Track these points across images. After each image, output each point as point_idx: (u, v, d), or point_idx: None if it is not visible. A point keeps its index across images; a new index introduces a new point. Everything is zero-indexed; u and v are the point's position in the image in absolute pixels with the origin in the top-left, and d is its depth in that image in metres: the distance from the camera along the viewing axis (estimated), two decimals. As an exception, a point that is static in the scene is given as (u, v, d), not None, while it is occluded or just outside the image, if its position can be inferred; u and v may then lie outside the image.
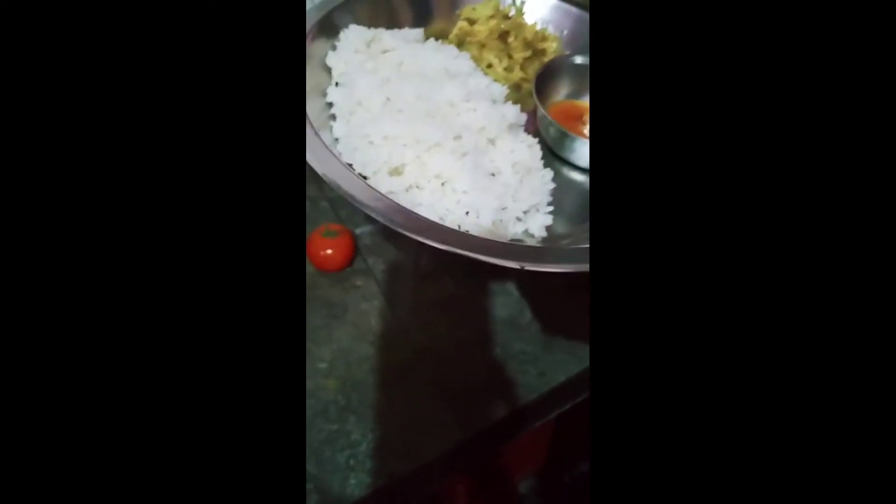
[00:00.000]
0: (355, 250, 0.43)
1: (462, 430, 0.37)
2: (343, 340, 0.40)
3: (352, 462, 0.35)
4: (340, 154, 0.41)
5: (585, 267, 0.35)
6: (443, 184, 0.41)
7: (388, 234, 0.44)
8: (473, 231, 0.40)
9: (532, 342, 0.41)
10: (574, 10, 0.58)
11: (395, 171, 0.41)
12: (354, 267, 0.43)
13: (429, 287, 0.43)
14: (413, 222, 0.34)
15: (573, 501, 0.58)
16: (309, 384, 0.38)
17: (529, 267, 0.34)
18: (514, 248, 0.37)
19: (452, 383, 0.39)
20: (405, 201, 0.39)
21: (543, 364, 0.41)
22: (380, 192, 0.37)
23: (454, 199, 0.40)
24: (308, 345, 0.39)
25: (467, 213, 0.40)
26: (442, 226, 0.36)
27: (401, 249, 0.44)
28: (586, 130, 0.50)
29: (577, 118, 0.51)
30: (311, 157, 0.38)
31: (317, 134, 0.40)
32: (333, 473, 0.34)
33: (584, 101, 0.53)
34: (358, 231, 0.44)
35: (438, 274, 0.43)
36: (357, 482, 0.34)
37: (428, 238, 0.34)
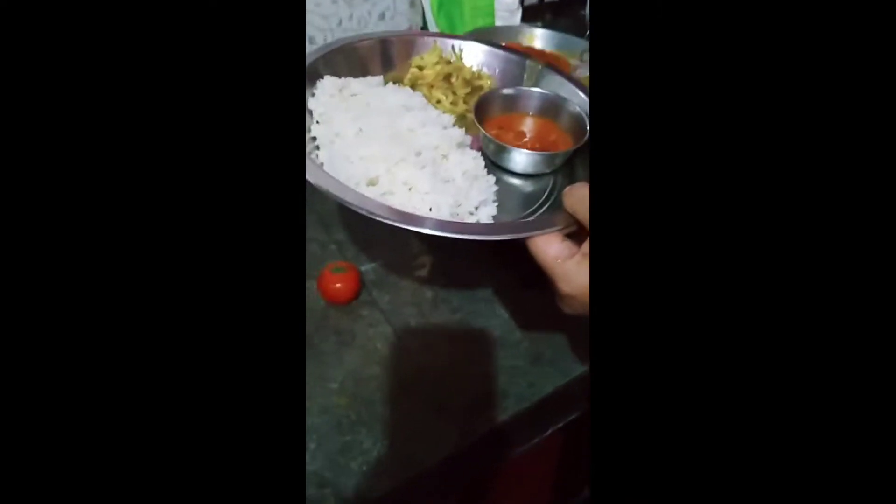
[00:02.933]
0: (361, 285, 0.52)
1: (460, 438, 0.43)
2: (352, 363, 0.47)
3: (364, 468, 0.41)
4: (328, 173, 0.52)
5: (529, 234, 0.46)
6: (409, 189, 0.52)
7: (390, 269, 0.53)
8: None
9: (521, 358, 0.49)
10: (502, 52, 0.72)
11: (371, 182, 0.52)
12: (361, 299, 0.52)
13: (427, 313, 0.51)
14: (391, 213, 0.46)
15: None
16: (322, 402, 0.44)
17: (483, 238, 0.46)
18: (470, 226, 0.49)
19: (451, 397, 0.45)
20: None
21: (532, 376, 0.48)
22: (364, 194, 0.48)
23: (419, 199, 0.52)
24: (320, 368, 0.46)
25: (430, 209, 0.52)
26: (414, 214, 0.47)
27: (402, 282, 0.53)
28: (521, 139, 0.63)
29: (510, 129, 0.64)
30: (308, 176, 0.49)
31: (309, 158, 0.51)
32: (349, 479, 0.40)
33: (514, 114, 0.66)
34: (363, 268, 0.54)
35: (436, 302, 0.52)
36: (368, 486, 0.40)
37: (405, 223, 0.46)
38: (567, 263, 0.44)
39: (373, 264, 0.54)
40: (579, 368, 0.50)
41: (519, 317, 0.53)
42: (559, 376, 0.49)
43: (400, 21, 0.76)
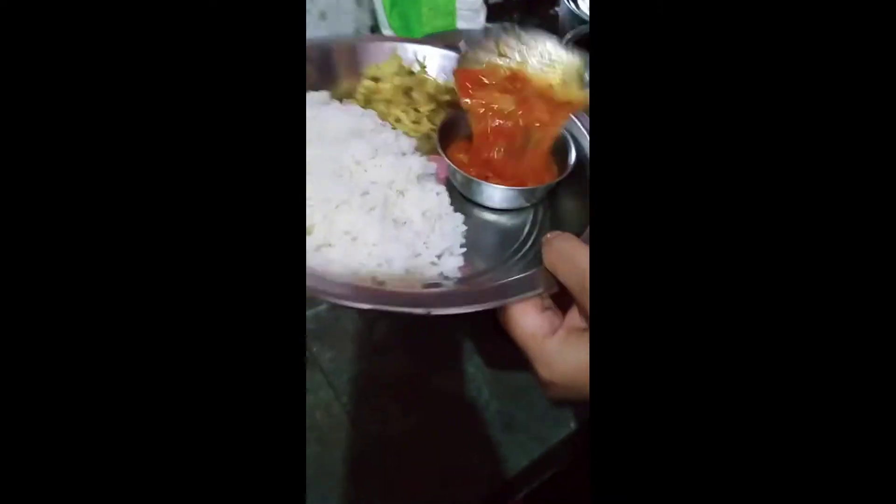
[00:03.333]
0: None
1: None
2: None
3: None
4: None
5: (498, 303, 0.36)
6: (353, 239, 0.42)
7: (336, 317, 0.44)
8: (390, 280, 0.41)
9: (490, 426, 0.40)
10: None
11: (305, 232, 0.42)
12: None
13: (378, 369, 0.42)
14: (320, 283, 0.35)
15: None
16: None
17: (436, 312, 0.35)
18: (421, 295, 0.38)
19: (404, 478, 0.37)
20: (317, 261, 0.40)
21: (505, 448, 0.39)
22: None
23: (365, 253, 0.41)
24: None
25: (379, 264, 0.41)
26: (344, 282, 0.36)
27: (348, 331, 0.43)
28: (493, 166, 0.52)
29: (481, 152, 0.54)
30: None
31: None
32: None
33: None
34: None
35: (388, 351, 0.42)
36: None
37: (336, 297, 0.35)
38: (548, 342, 0.34)
39: (312, 310, 0.44)
40: (558, 433, 0.41)
41: (487, 371, 0.43)
42: (535, 445, 0.40)
43: (345, 21, 0.64)
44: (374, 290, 0.36)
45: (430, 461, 0.38)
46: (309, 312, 0.45)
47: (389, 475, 0.37)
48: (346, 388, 0.41)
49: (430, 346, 0.44)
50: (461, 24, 0.76)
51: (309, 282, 0.35)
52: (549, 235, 0.39)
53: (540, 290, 0.36)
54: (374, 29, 0.73)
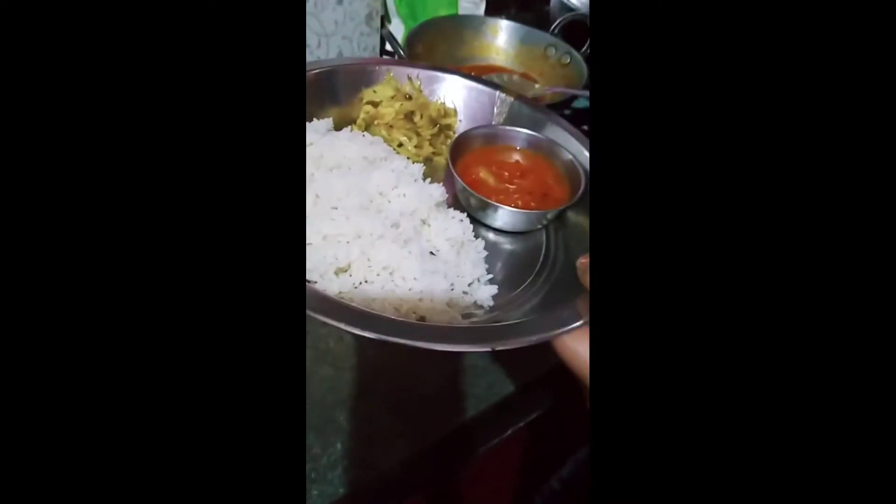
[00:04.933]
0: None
1: (418, 441, 0.39)
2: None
3: (313, 475, 0.37)
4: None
5: (554, 335, 0.36)
6: (391, 274, 0.41)
7: None
8: (431, 314, 0.40)
9: (481, 357, 0.45)
10: (467, 82, 0.62)
11: (341, 270, 0.40)
12: None
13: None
14: (372, 321, 0.34)
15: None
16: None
17: (500, 347, 0.35)
18: (480, 331, 0.38)
19: (408, 398, 0.41)
20: (359, 299, 0.39)
21: (491, 377, 0.44)
22: (337, 300, 0.36)
23: (406, 288, 0.40)
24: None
25: (420, 298, 0.41)
26: (401, 321, 0.36)
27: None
28: (505, 190, 0.53)
29: (493, 170, 0.54)
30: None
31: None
32: None
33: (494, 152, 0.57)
34: None
35: None
36: (319, 493, 0.36)
37: (394, 335, 0.34)
38: None
39: None
40: (539, 368, 0.46)
41: None
42: (519, 375, 0.45)
43: (359, 7, 0.65)
44: (440, 328, 0.36)
45: (425, 384, 0.43)
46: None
47: (391, 392, 0.42)
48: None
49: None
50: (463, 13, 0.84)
51: (366, 328, 0.34)
52: (582, 260, 0.39)
53: (587, 319, 0.37)
54: (385, 14, 0.76)
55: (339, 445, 0.38)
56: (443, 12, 0.82)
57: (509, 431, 0.45)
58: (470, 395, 0.42)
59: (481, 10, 0.86)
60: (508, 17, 0.82)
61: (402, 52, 0.71)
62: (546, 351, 0.43)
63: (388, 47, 0.75)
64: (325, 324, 0.33)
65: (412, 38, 0.73)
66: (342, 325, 0.34)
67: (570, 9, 0.76)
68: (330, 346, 0.43)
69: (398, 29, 0.79)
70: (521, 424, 0.46)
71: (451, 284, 0.43)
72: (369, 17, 0.67)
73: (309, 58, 0.64)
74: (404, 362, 0.43)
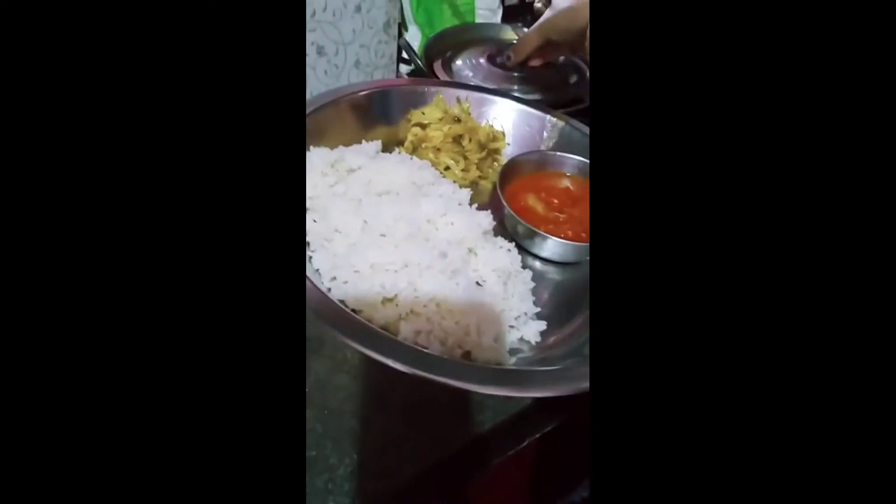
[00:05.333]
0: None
1: (434, 451, 0.39)
2: (320, 372, 0.42)
3: (330, 486, 0.36)
4: (329, 290, 0.39)
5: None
6: (437, 305, 0.40)
7: None
8: (477, 350, 0.39)
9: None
10: (516, 104, 0.61)
11: (388, 301, 0.39)
12: None
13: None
14: (418, 358, 0.33)
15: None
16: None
17: (548, 395, 0.34)
18: (529, 375, 0.36)
19: (423, 409, 0.41)
20: (406, 331, 0.38)
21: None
22: (388, 337, 0.35)
23: (452, 322, 0.39)
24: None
25: (467, 333, 0.39)
26: (448, 360, 0.35)
27: None
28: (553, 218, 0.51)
29: (541, 197, 0.53)
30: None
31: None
32: (312, 496, 0.36)
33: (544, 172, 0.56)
34: None
35: None
36: (335, 503, 0.36)
37: (442, 375, 0.33)
38: None
39: None
40: None
41: None
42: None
43: (377, 15, 0.65)
44: (488, 370, 0.35)
45: (441, 394, 0.42)
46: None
47: (407, 402, 0.41)
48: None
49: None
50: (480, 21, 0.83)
51: (416, 366, 0.33)
52: None
53: None
54: (402, 21, 0.76)
55: (355, 455, 0.38)
56: (459, 21, 0.82)
57: (525, 443, 0.44)
58: (486, 406, 0.41)
59: (497, 18, 0.86)
60: (525, 25, 0.81)
61: (419, 62, 0.71)
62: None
63: (405, 55, 0.75)
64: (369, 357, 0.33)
65: (429, 47, 0.73)
66: (390, 362, 0.33)
67: None
68: (347, 356, 0.42)
69: (415, 37, 0.79)
70: (538, 436, 0.44)
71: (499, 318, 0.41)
72: (387, 25, 0.67)
73: (325, 66, 0.64)
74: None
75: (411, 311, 0.39)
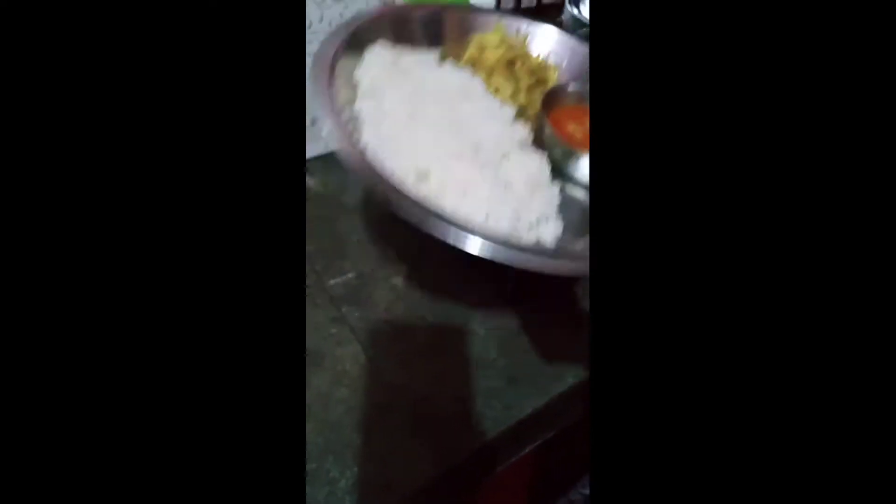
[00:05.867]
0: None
1: (435, 462, 0.39)
2: (321, 386, 0.42)
3: (331, 499, 0.37)
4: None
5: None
6: (464, 191, 0.44)
7: (362, 283, 0.49)
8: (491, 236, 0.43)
9: (497, 378, 0.45)
10: (572, 40, 0.63)
11: (421, 176, 0.43)
12: (330, 316, 0.47)
13: (400, 331, 0.47)
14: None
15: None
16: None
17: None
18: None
19: (424, 420, 0.41)
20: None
21: (509, 398, 0.44)
22: (416, 199, 0.40)
23: (473, 205, 0.43)
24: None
25: (485, 220, 0.43)
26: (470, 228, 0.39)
27: (374, 297, 0.48)
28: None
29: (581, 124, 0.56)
30: (349, 161, 0.40)
31: (347, 139, 0.43)
32: None
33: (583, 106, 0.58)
34: (332, 281, 0.49)
35: (411, 318, 0.48)
36: None
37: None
38: None
39: (343, 277, 0.49)
40: (557, 387, 0.46)
41: (496, 334, 0.48)
42: (537, 397, 0.45)
43: None
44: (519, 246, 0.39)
45: (442, 405, 0.43)
46: (338, 280, 0.49)
47: (407, 414, 0.42)
48: (372, 343, 0.46)
49: (446, 314, 0.49)
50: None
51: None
52: None
53: None
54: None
55: (355, 468, 0.38)
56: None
57: (527, 449, 0.46)
58: (487, 416, 0.42)
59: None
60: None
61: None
62: (565, 372, 0.46)
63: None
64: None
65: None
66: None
67: (583, 24, 0.74)
68: (346, 369, 0.43)
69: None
70: (539, 442, 0.47)
71: (518, 217, 0.45)
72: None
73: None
74: (419, 385, 0.43)
75: (440, 191, 0.43)
